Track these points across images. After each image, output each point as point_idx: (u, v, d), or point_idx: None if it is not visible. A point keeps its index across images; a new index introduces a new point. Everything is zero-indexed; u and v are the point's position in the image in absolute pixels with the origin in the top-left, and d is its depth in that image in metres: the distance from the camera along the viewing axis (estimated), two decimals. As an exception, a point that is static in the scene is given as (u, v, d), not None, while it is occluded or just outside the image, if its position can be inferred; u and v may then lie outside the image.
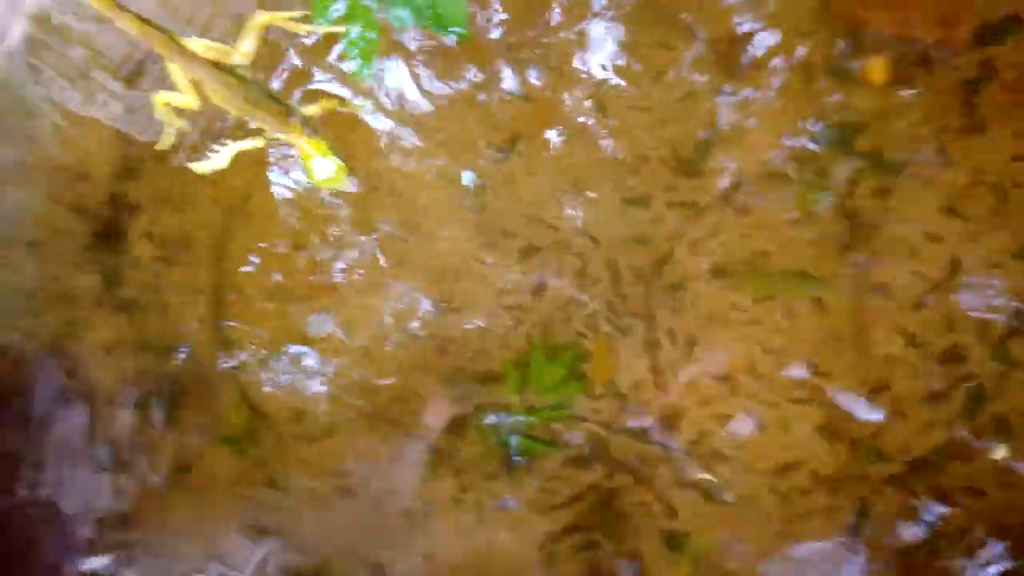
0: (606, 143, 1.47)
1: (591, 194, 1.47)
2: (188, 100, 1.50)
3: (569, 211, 1.48)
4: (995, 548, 1.35)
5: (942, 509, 1.37)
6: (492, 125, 1.57)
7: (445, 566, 1.50)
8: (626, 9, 1.46)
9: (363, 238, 1.63)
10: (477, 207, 1.56)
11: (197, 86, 1.47)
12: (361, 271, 1.63)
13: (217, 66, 1.45)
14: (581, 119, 1.51)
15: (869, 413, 1.35)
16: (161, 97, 1.56)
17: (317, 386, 1.63)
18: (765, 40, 1.34)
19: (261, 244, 1.72)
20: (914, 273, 1.34)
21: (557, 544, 1.44)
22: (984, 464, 1.35)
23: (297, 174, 1.69)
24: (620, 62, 1.46)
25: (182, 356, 1.73)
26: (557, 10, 1.55)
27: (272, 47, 1.62)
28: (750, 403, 1.35)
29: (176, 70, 1.46)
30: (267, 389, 1.65)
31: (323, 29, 1.41)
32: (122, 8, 1.45)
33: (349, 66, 1.45)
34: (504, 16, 1.53)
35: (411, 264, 1.58)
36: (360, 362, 1.58)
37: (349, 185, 1.46)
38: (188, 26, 1.67)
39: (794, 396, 1.35)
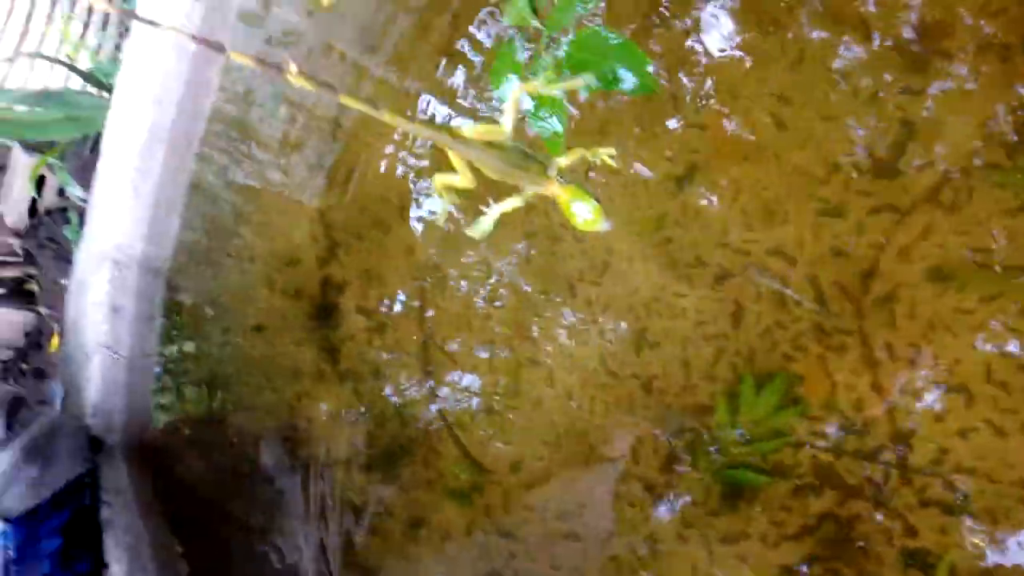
0: (790, 157, 1.47)
1: (780, 211, 1.47)
2: (465, 180, 1.70)
3: (759, 232, 1.49)
4: None
5: None
6: (667, 158, 1.62)
7: (678, 605, 1.53)
8: (798, 17, 1.47)
9: (554, 286, 1.73)
10: (663, 240, 1.61)
11: (471, 165, 1.64)
12: (557, 317, 1.73)
13: (489, 145, 1.64)
14: (759, 137, 1.52)
15: None
16: (439, 179, 1.78)
17: (529, 434, 1.73)
18: (952, 26, 1.30)
19: (459, 303, 1.86)
20: None
21: (794, 577, 1.43)
22: None
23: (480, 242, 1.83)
24: (795, 74, 1.46)
25: (402, 418, 1.90)
26: (717, 34, 1.59)
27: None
28: (990, 412, 1.29)
29: (454, 156, 1.64)
30: (483, 441, 1.77)
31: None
32: (410, 119, 1.69)
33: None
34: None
35: (606, 305, 1.65)
36: (568, 407, 1.67)
37: (605, 224, 1.56)
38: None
39: (1042, 400, 1.27)
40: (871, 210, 1.32)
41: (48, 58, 2.64)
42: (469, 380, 1.78)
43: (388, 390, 1.89)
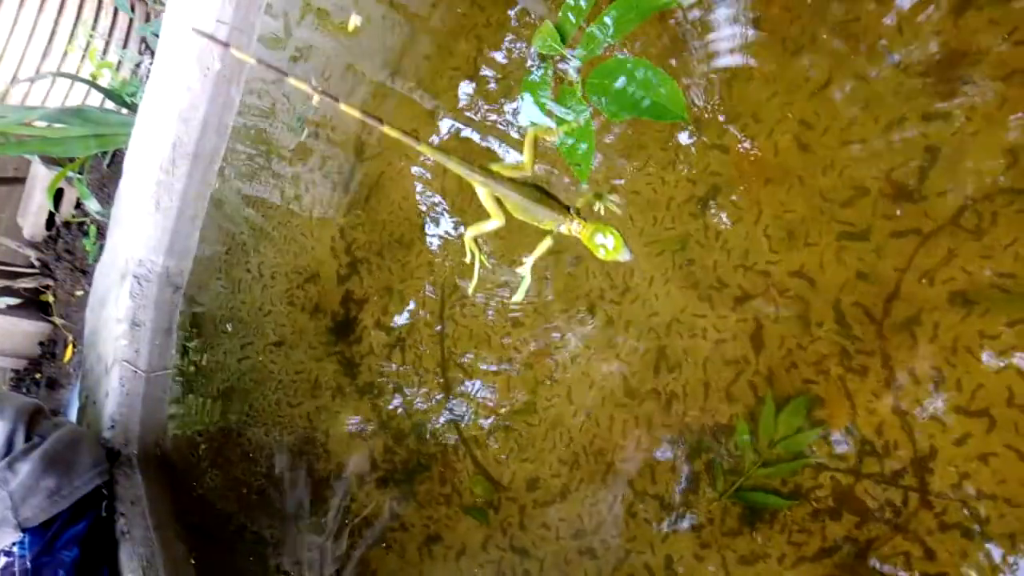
0: (813, 180, 1.49)
1: (802, 234, 1.49)
2: (496, 223, 1.78)
3: (781, 255, 1.50)
4: None
5: None
6: (690, 180, 1.64)
7: (696, 627, 1.53)
8: (818, 42, 1.49)
9: (575, 307, 1.74)
10: (685, 261, 1.62)
11: (499, 203, 1.74)
12: (577, 336, 1.74)
13: (513, 181, 1.71)
14: (782, 160, 1.54)
15: None
16: (470, 233, 1.86)
17: (547, 452, 1.74)
18: (975, 54, 1.32)
19: (478, 320, 1.87)
20: None
21: (813, 600, 1.43)
22: None
23: (501, 260, 1.85)
24: (819, 99, 1.48)
25: (419, 434, 1.91)
26: (740, 58, 1.61)
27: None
28: (1012, 437, 1.29)
29: (483, 192, 1.74)
30: (500, 458, 1.78)
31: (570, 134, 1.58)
32: (449, 154, 1.75)
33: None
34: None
35: (626, 324, 1.67)
36: (586, 425, 1.67)
37: (627, 254, 1.61)
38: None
39: (1066, 426, 1.28)
40: (894, 233, 1.34)
41: (72, 76, 2.68)
42: (487, 397, 1.79)
43: (406, 406, 1.90)
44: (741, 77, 1.56)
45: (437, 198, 1.99)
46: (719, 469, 1.47)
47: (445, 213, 1.96)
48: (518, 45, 1.86)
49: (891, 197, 1.37)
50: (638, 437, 1.57)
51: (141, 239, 2.27)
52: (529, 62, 1.77)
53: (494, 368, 1.82)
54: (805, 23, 1.49)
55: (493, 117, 1.87)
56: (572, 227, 1.66)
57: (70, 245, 4.01)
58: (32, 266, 4.20)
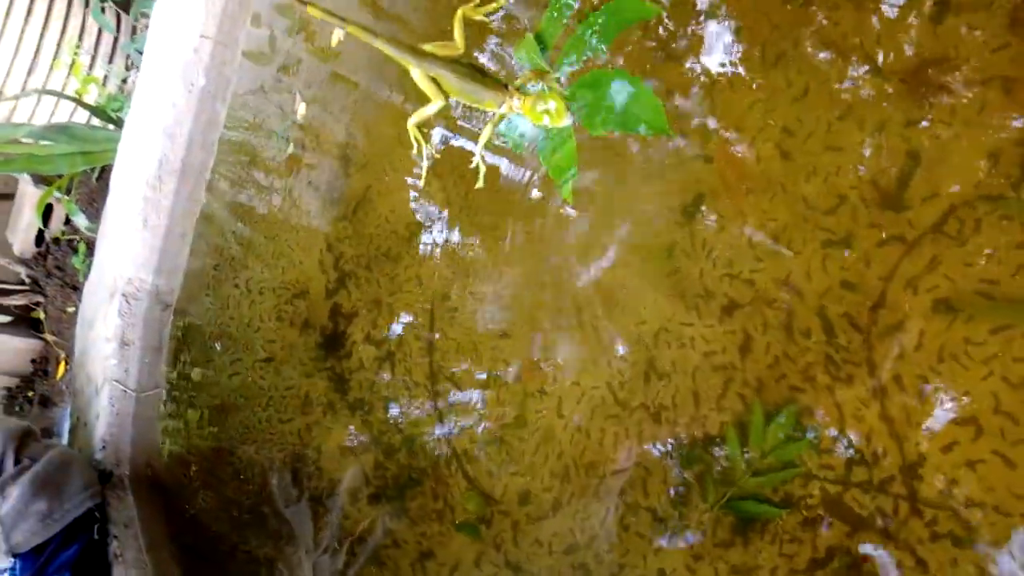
0: (796, 188, 1.51)
1: (787, 242, 1.50)
2: (436, 104, 1.80)
3: (766, 263, 1.52)
4: None
5: None
6: (674, 189, 1.66)
7: (690, 639, 1.55)
8: (802, 50, 1.51)
9: (562, 318, 1.76)
10: (671, 271, 1.64)
11: (436, 82, 1.76)
12: (565, 347, 1.76)
13: (447, 60, 1.74)
14: (765, 168, 1.56)
15: None
16: (413, 120, 1.89)
17: (538, 465, 1.75)
18: (954, 61, 1.34)
19: (467, 332, 1.89)
20: None
21: (806, 610, 1.45)
22: None
23: (488, 271, 1.87)
24: (800, 106, 1.50)
25: (410, 449, 1.93)
26: (721, 66, 1.63)
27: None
28: (1000, 444, 1.31)
29: (418, 74, 1.77)
30: (492, 472, 1.80)
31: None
32: (376, 34, 1.76)
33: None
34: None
35: (614, 335, 1.68)
36: (577, 437, 1.69)
37: (569, 118, 1.62)
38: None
39: (1053, 431, 1.29)
40: (878, 241, 1.35)
41: (57, 94, 2.71)
42: (477, 410, 1.81)
43: (397, 420, 1.92)
44: (722, 85, 1.58)
45: (424, 211, 2.01)
46: (710, 480, 1.49)
47: (432, 226, 1.98)
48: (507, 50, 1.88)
49: (874, 204, 1.39)
50: (629, 448, 1.58)
51: (129, 257, 2.29)
52: (517, 73, 1.79)
53: (483, 380, 1.83)
54: (785, 31, 1.51)
55: (483, 126, 1.88)
56: (512, 103, 1.67)
57: (60, 261, 4.03)
58: (22, 283, 4.22)
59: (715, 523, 1.50)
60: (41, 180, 3.56)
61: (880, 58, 1.42)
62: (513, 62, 1.77)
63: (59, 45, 3.28)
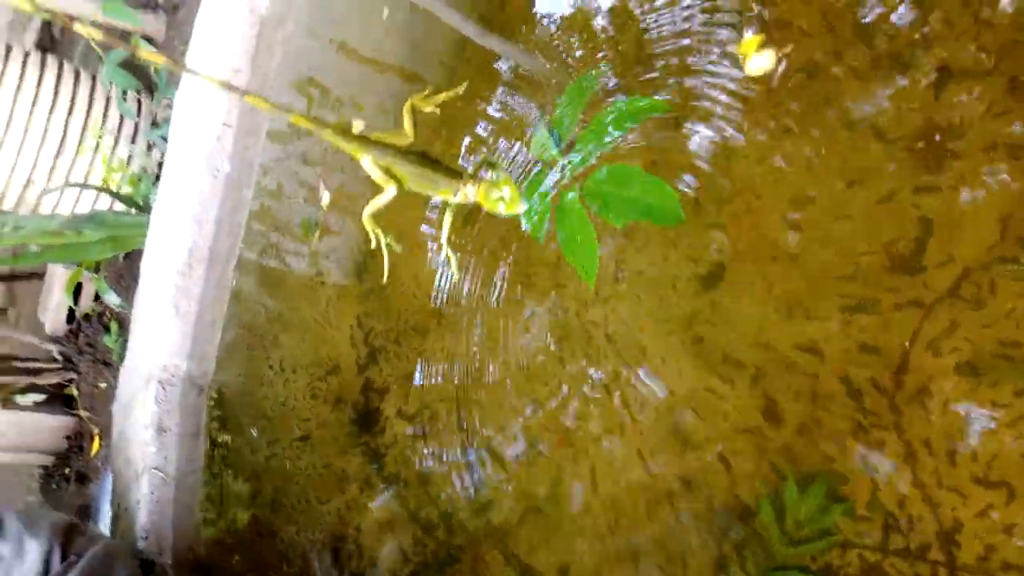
0: (812, 255, 1.56)
1: (807, 309, 1.56)
2: (389, 193, 1.80)
3: (787, 329, 1.57)
4: None
5: None
6: (692, 258, 1.72)
7: None
8: (805, 120, 1.58)
9: (589, 387, 1.82)
10: (694, 339, 1.70)
11: (388, 172, 1.78)
12: (595, 419, 1.81)
13: (397, 149, 1.76)
14: (779, 237, 1.62)
15: None
16: (368, 211, 1.93)
17: (575, 537, 1.80)
18: (959, 128, 1.39)
19: (499, 406, 1.95)
20: None
21: None
22: None
23: (513, 343, 1.93)
24: (811, 176, 1.57)
25: (447, 525, 1.99)
26: (731, 138, 1.70)
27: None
28: (1037, 502, 1.34)
29: (368, 163, 1.78)
30: (530, 546, 1.85)
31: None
32: (323, 124, 1.81)
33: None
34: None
35: (643, 405, 1.74)
36: (611, 510, 1.74)
37: (524, 203, 1.66)
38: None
39: (1087, 489, 1.32)
40: (897, 306, 1.40)
41: (86, 186, 2.84)
42: (512, 484, 1.86)
43: (433, 496, 1.98)
44: (733, 155, 1.65)
45: (448, 284, 2.09)
46: (748, 551, 1.53)
47: (457, 299, 2.05)
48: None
49: (890, 269, 1.44)
50: (665, 520, 1.63)
51: (163, 344, 2.39)
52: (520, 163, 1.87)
53: (516, 452, 1.89)
54: (790, 102, 1.58)
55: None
56: (467, 191, 1.70)
57: (91, 338, 4.16)
58: (55, 361, 4.36)
59: (756, 593, 1.54)
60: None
61: (885, 126, 1.48)
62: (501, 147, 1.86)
63: (83, 130, 3.44)
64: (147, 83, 3.57)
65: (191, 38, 2.36)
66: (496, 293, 2.01)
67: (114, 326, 3.73)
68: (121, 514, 2.38)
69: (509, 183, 1.65)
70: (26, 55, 3.41)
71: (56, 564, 1.90)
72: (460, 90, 1.92)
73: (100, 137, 3.35)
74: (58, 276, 4.02)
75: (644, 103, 1.39)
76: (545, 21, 2.05)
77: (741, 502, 1.55)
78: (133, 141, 3.51)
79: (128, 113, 3.33)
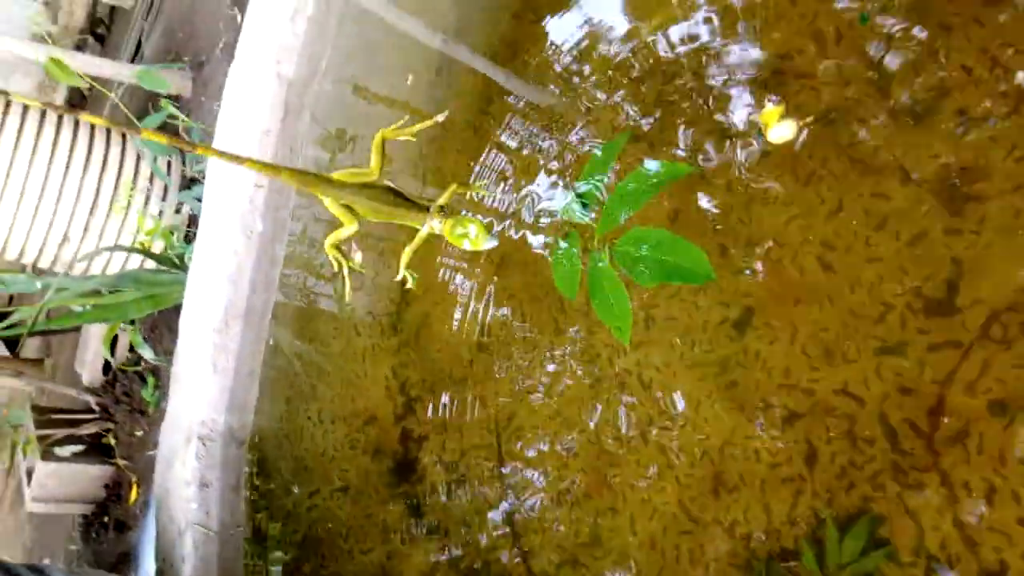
0: (842, 298, 1.59)
1: (840, 351, 1.58)
2: (350, 228, 1.85)
3: (822, 372, 1.60)
4: None
5: None
6: (722, 303, 1.76)
7: None
8: (828, 167, 1.62)
9: (625, 434, 1.85)
10: (728, 384, 1.73)
11: (350, 209, 1.82)
12: (632, 465, 1.84)
13: (360, 187, 1.80)
14: (809, 280, 1.65)
15: None
16: (329, 241, 1.98)
17: (618, 583, 1.82)
18: (984, 170, 1.42)
19: (535, 455, 1.99)
20: None
21: None
22: None
23: (548, 392, 1.97)
24: (837, 221, 1.60)
25: (488, 573, 2.01)
26: (754, 184, 1.74)
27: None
28: (1081, 538, 1.35)
29: (329, 202, 1.82)
30: (573, 594, 1.87)
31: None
32: (279, 168, 1.83)
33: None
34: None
35: (679, 450, 1.76)
36: (653, 556, 1.76)
37: (491, 240, 1.71)
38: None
39: None
40: (930, 347, 1.43)
41: (123, 248, 2.93)
42: (551, 530, 1.89)
43: (474, 543, 2.01)
44: (758, 202, 1.68)
45: (481, 335, 2.13)
46: (791, 594, 1.55)
47: (491, 348, 2.09)
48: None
49: (921, 311, 1.47)
50: (706, 566, 1.65)
51: (202, 399, 2.45)
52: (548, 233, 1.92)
53: (554, 499, 1.92)
54: (814, 149, 1.62)
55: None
56: (434, 225, 1.75)
57: (127, 388, 4.24)
58: (92, 411, 4.45)
59: (802, 637, 1.55)
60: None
61: (910, 171, 1.52)
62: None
63: (115, 189, 3.54)
64: (177, 141, 3.66)
65: (221, 101, 2.44)
66: (528, 341, 2.05)
67: (151, 380, 3.81)
68: (167, 570, 2.43)
69: (475, 223, 1.70)
70: (60, 117, 3.52)
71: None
72: (440, 118, 1.97)
73: (132, 195, 3.44)
74: (94, 329, 4.11)
75: (669, 168, 1.44)
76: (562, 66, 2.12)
77: (783, 545, 1.57)
78: (164, 198, 3.60)
79: (160, 174, 3.43)
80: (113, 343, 4.19)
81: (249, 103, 2.24)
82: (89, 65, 3.61)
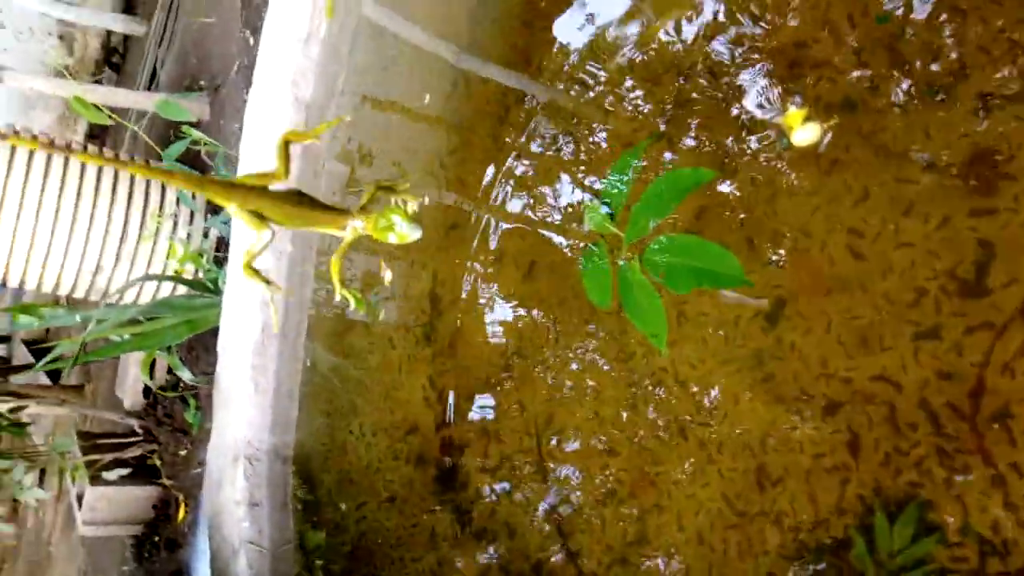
0: (874, 285, 1.59)
1: (876, 338, 1.58)
2: (262, 237, 1.71)
3: (858, 360, 1.60)
4: None
5: None
6: (754, 296, 1.76)
7: None
8: (851, 154, 1.61)
9: (664, 431, 1.85)
10: (765, 376, 1.73)
11: (259, 216, 1.69)
12: (674, 462, 1.85)
13: (267, 191, 1.68)
14: (839, 269, 1.64)
15: None
16: (245, 260, 1.79)
17: (668, 580, 1.83)
18: (1009, 151, 1.41)
19: (576, 456, 2.00)
20: None
21: None
22: None
23: (584, 392, 1.98)
24: (863, 208, 1.59)
25: (540, 573, 2.03)
26: (777, 176, 1.73)
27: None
28: None
29: (235, 209, 1.68)
30: (625, 593, 1.88)
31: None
32: (173, 174, 1.78)
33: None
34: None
35: (720, 444, 1.77)
36: (701, 551, 1.77)
37: (417, 231, 1.60)
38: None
39: None
40: (967, 329, 1.42)
41: (159, 277, 2.97)
42: (599, 531, 1.90)
43: (522, 547, 2.03)
44: (783, 194, 1.68)
45: (515, 340, 2.15)
46: (843, 583, 1.55)
47: (525, 353, 2.11)
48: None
49: (956, 294, 1.46)
50: (756, 558, 1.65)
51: (246, 420, 2.48)
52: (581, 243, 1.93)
53: (598, 498, 1.93)
54: (836, 137, 1.61)
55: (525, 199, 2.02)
56: (356, 225, 1.64)
57: (168, 409, 4.31)
58: (135, 434, 4.52)
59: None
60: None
61: (934, 154, 1.51)
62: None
63: (143, 216, 3.59)
64: (202, 168, 3.71)
65: (240, 123, 2.46)
66: (561, 344, 2.06)
67: (192, 402, 3.86)
68: (223, 588, 2.47)
69: (397, 211, 1.59)
70: (84, 150, 3.58)
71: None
72: (347, 118, 1.89)
73: (159, 222, 3.49)
74: (133, 355, 4.17)
75: (694, 174, 1.44)
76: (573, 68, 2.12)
77: (832, 535, 1.57)
78: (191, 222, 3.65)
79: (187, 201, 3.48)
80: (151, 366, 4.25)
81: (269, 127, 2.26)
82: (109, 97, 3.66)
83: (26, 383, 4.64)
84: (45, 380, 5.18)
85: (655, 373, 1.84)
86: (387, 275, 2.01)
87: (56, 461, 4.38)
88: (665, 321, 1.44)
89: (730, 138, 1.76)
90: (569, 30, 2.11)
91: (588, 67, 2.08)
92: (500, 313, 2.14)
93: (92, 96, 3.36)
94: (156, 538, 4.59)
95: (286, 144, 1.76)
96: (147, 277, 3.11)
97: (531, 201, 2.16)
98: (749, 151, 1.69)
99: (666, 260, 1.40)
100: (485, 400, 2.17)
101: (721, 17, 1.83)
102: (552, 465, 1.99)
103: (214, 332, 2.66)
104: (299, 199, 1.70)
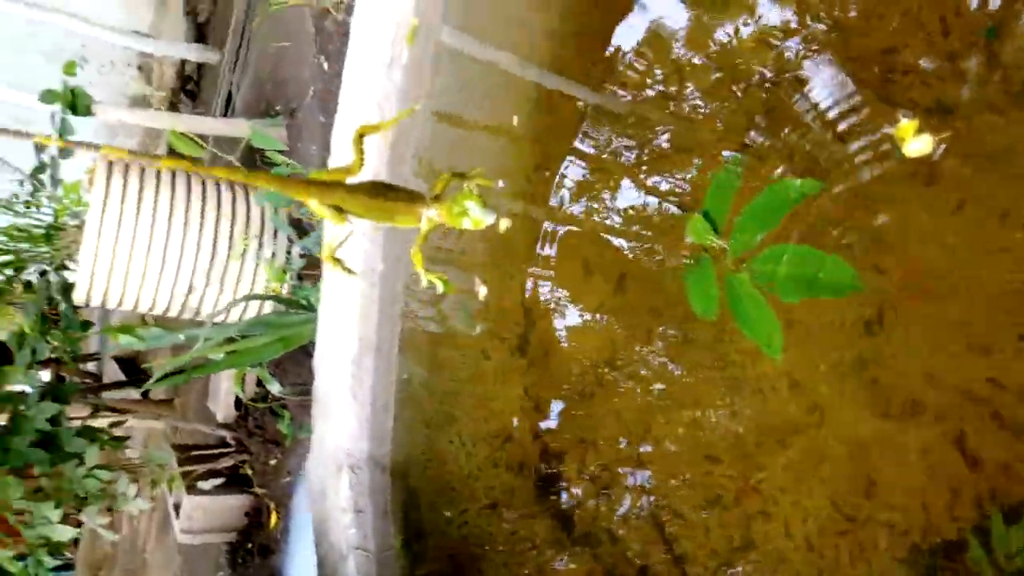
0: (977, 288, 1.59)
1: (980, 341, 1.58)
2: (341, 230, 1.78)
3: (966, 364, 1.60)
4: None
5: None
6: (856, 302, 1.77)
7: None
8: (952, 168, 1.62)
9: (769, 439, 1.88)
10: (869, 382, 1.74)
11: (338, 210, 1.72)
12: (779, 467, 1.87)
13: (346, 185, 1.71)
14: (938, 274, 1.65)
15: None
16: (326, 252, 1.87)
17: (775, 584, 1.86)
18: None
19: (676, 462, 2.04)
20: None
21: None
22: None
23: (682, 400, 2.01)
24: (958, 218, 1.60)
25: (644, 578, 2.07)
26: (874, 186, 1.74)
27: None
28: None
29: (315, 204, 1.72)
30: (731, 597, 1.92)
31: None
32: (257, 175, 1.80)
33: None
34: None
35: (825, 451, 1.79)
36: (810, 558, 1.79)
37: (490, 216, 1.58)
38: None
39: None
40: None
41: (255, 297, 3.10)
42: (703, 537, 1.94)
43: (626, 553, 2.07)
44: (881, 201, 1.70)
45: (608, 350, 2.19)
46: (961, 587, 1.56)
47: (620, 364, 2.15)
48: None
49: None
50: (869, 563, 1.67)
51: (345, 431, 2.59)
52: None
53: (701, 506, 1.96)
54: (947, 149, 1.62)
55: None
56: (430, 214, 1.63)
57: (259, 421, 4.47)
58: (228, 445, 4.70)
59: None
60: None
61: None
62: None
63: (231, 236, 3.74)
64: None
65: (316, 146, 2.56)
66: (655, 353, 2.10)
67: (286, 415, 4.00)
68: (333, 595, 2.57)
69: (472, 197, 1.58)
70: (172, 173, 3.74)
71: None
72: (416, 107, 1.93)
73: (247, 242, 3.63)
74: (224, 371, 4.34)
75: (802, 185, 1.47)
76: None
77: (946, 539, 1.58)
78: (275, 237, 3.78)
79: (277, 222, 3.60)
80: (241, 381, 4.41)
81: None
82: (194, 125, 3.81)
83: (120, 398, 4.86)
84: (135, 394, 5.41)
85: (755, 380, 1.87)
86: (482, 291, 2.07)
87: (151, 473, 4.58)
88: (780, 329, 1.47)
89: (820, 146, 1.78)
90: (649, 44, 2.14)
91: (671, 79, 2.12)
92: (592, 324, 2.19)
93: (181, 125, 3.51)
94: (249, 545, 4.76)
95: (360, 137, 1.78)
96: (249, 297, 3.24)
97: (618, 214, 2.21)
98: (847, 161, 1.70)
99: (775, 270, 1.43)
100: (580, 409, 2.22)
101: (804, 22, 1.85)
102: (651, 472, 2.03)
103: (303, 347, 2.77)
104: (375, 191, 1.72)
